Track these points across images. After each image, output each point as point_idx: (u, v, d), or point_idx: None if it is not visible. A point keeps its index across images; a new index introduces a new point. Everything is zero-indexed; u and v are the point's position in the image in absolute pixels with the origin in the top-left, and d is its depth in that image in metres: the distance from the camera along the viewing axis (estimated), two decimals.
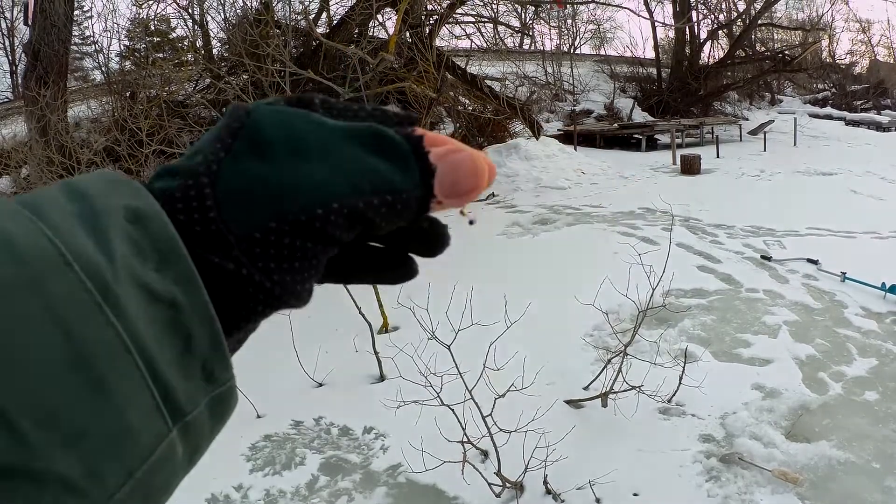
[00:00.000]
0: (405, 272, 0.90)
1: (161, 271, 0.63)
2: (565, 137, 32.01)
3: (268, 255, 0.70)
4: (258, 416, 8.49)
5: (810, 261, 13.47)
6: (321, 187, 0.71)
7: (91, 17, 36.58)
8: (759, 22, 44.70)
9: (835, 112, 46.18)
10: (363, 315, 9.47)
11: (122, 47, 33.77)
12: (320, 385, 9.20)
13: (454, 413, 6.85)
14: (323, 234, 0.71)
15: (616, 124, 37.92)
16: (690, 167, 25.34)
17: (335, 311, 10.34)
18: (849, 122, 42.69)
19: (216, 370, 0.67)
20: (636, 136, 34.66)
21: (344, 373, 9.38)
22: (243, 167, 0.71)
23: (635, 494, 6.90)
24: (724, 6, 46.93)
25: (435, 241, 0.89)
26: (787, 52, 45.80)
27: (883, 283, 11.58)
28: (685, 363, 8.43)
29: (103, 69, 30.29)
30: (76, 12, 26.73)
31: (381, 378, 9.19)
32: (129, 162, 15.52)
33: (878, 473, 7.10)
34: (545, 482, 6.81)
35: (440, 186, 0.76)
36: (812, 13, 53.59)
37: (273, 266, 0.70)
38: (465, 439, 6.85)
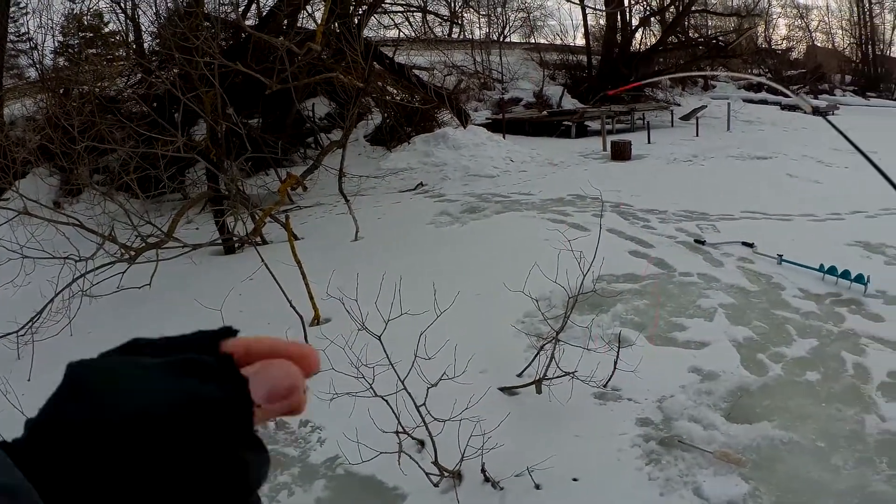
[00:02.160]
0: None
1: None
2: (494, 126, 32.06)
3: (64, 474, 0.71)
4: None
5: (745, 244, 13.49)
6: (121, 408, 0.72)
7: (27, 13, 36.21)
8: (693, 8, 44.93)
9: (770, 97, 46.53)
10: (294, 308, 9.43)
11: (56, 43, 33.61)
12: None
13: (388, 404, 6.80)
14: (129, 451, 0.71)
15: (545, 112, 38.09)
16: (621, 153, 25.41)
17: (267, 304, 10.28)
18: (784, 107, 42.96)
19: None
20: (566, 123, 34.67)
21: None
22: (57, 407, 0.78)
23: (575, 479, 6.87)
24: None
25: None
26: (721, 39, 46.13)
27: (821, 265, 11.61)
28: (619, 348, 8.41)
29: (38, 66, 30.12)
30: (12, 8, 26.53)
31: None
32: (63, 160, 15.40)
33: (823, 452, 7.12)
34: (483, 470, 6.77)
35: (256, 390, 0.80)
36: (748, 0, 54.00)
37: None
38: (399, 429, 6.81)
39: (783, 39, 60.95)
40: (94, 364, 0.79)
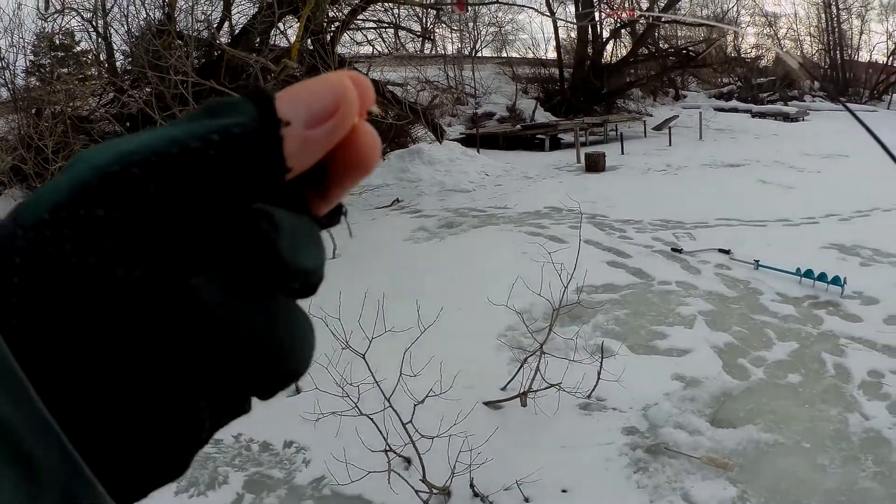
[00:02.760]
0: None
1: None
2: (468, 141, 32.13)
3: (61, 234, 0.52)
4: None
5: (722, 251, 13.62)
6: (121, 150, 0.55)
7: None
8: (663, 20, 45.09)
9: (740, 105, 46.83)
10: None
11: (28, 63, 33.48)
12: None
13: (374, 422, 6.78)
14: (129, 195, 0.53)
15: (519, 125, 38.11)
16: (595, 165, 25.53)
17: None
18: (755, 114, 43.22)
19: (81, 496, 0.51)
20: (539, 136, 34.85)
21: None
22: (53, 180, 0.56)
23: (564, 491, 6.85)
24: (626, 5, 47.39)
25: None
26: (691, 49, 46.33)
27: (798, 269, 11.74)
28: (602, 358, 8.45)
29: (9, 86, 30.00)
30: None
31: (297, 391, 9.03)
32: (36, 181, 15.31)
33: (808, 452, 7.19)
34: (472, 485, 6.75)
35: (287, 110, 0.57)
36: (716, 9, 54.22)
37: (69, 247, 0.52)
38: (387, 448, 6.78)
39: (752, 48, 61.22)
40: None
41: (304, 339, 0.64)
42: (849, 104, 48.72)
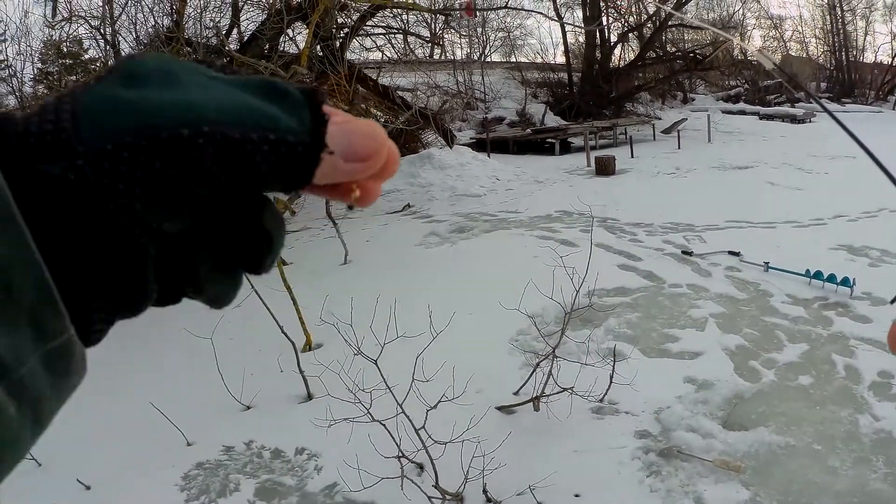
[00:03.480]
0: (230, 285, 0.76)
1: None
2: (478, 145, 32.19)
3: (117, 171, 0.60)
4: (188, 444, 8.31)
5: (732, 253, 13.60)
6: (192, 108, 0.62)
7: (4, 40, 36.06)
8: (670, 23, 45.06)
9: (748, 107, 46.80)
10: (285, 334, 9.34)
11: (36, 70, 33.44)
12: (248, 408, 9.03)
13: (386, 428, 6.76)
14: (187, 160, 0.61)
15: (529, 130, 38.13)
16: (605, 168, 25.50)
17: (257, 331, 10.23)
18: (763, 117, 43.22)
19: (46, 322, 0.59)
20: (549, 140, 34.91)
21: (271, 394, 9.23)
22: (110, 91, 0.63)
23: (577, 495, 6.84)
24: (634, 9, 47.40)
25: (266, 234, 0.73)
26: (698, 52, 46.30)
27: (807, 270, 11.74)
28: (615, 362, 8.42)
29: (17, 94, 29.97)
30: None
31: (309, 397, 9.05)
32: None
33: (820, 454, 7.17)
34: (485, 491, 6.72)
35: (335, 139, 0.67)
36: (722, 12, 54.18)
37: (121, 187, 0.60)
38: (400, 454, 6.76)
39: (758, 50, 61.12)
40: (164, 58, 0.69)
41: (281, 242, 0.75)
42: (855, 104, 48.80)
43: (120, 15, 24.84)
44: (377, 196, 0.75)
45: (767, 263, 12.58)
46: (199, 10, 21.85)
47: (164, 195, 0.62)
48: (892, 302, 10.88)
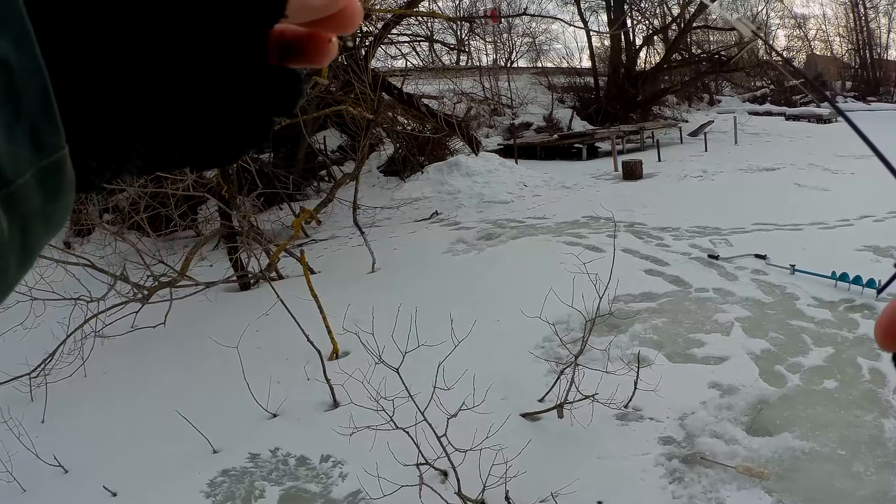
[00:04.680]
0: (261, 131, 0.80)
1: None
2: (505, 151, 32.10)
3: None
4: (214, 452, 8.36)
5: (758, 256, 13.54)
6: None
7: None
8: (694, 25, 44.96)
9: (774, 108, 46.69)
10: (312, 343, 9.37)
11: None
12: (274, 416, 9.05)
13: (409, 436, 6.77)
14: None
15: (556, 135, 38.03)
16: (632, 172, 25.40)
17: (283, 339, 10.26)
18: (789, 117, 43.10)
19: (44, 134, 0.60)
20: (577, 145, 34.75)
21: (297, 402, 9.26)
22: None
23: (599, 502, 6.83)
24: (658, 11, 47.31)
25: (287, 84, 0.80)
26: (723, 53, 46.17)
27: (833, 272, 11.68)
28: (639, 368, 8.41)
29: None
30: None
31: (335, 405, 9.07)
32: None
33: (844, 460, 7.13)
34: (507, 498, 6.70)
35: None
36: (746, 12, 53.96)
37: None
38: (420, 461, 6.77)
39: (783, 50, 60.98)
40: None
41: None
42: (880, 103, 48.56)
43: None
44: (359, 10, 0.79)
45: (794, 266, 12.53)
46: None
47: (160, 12, 0.67)
48: (878, 293, 10.87)
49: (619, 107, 43.58)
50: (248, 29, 0.72)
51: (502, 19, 38.19)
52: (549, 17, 37.60)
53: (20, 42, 0.57)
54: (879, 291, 10.85)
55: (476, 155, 25.91)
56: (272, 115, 0.79)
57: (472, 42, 40.19)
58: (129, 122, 0.70)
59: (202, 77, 0.72)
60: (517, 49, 56.22)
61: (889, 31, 58.61)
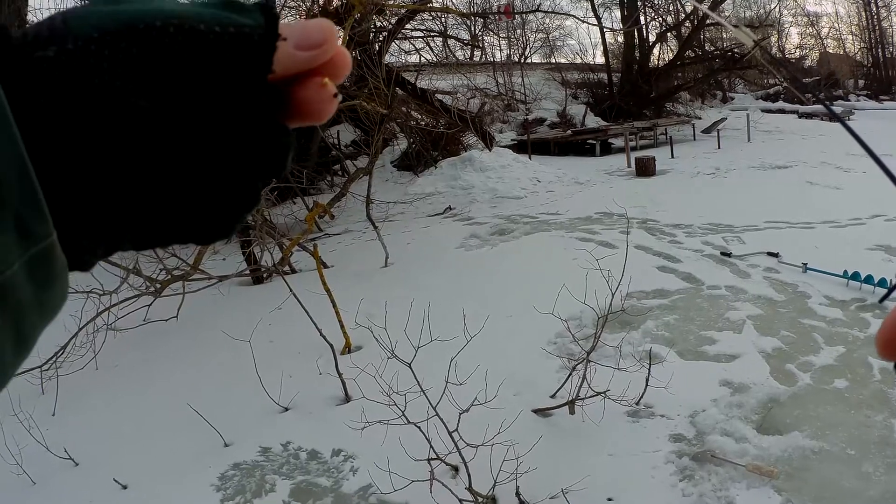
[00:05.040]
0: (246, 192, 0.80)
1: None
2: (519, 147, 32.16)
3: (102, 53, 0.67)
4: (225, 445, 8.38)
5: (771, 254, 13.56)
6: (163, 10, 0.71)
7: None
8: (707, 22, 44.88)
9: (787, 106, 46.59)
10: (324, 337, 9.39)
11: None
12: (286, 409, 9.07)
13: (420, 430, 6.79)
14: (161, 45, 0.70)
15: (569, 131, 38.01)
16: (645, 169, 25.38)
17: (296, 333, 10.27)
18: (802, 115, 42.98)
19: (30, 223, 0.62)
20: (590, 141, 34.79)
21: (309, 396, 9.28)
22: (93, 7, 0.71)
23: (609, 499, 6.84)
24: (671, 8, 47.26)
25: (276, 139, 0.79)
26: (736, 50, 46.11)
27: (845, 271, 11.67)
28: (650, 364, 8.40)
29: None
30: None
31: (347, 399, 9.09)
32: None
33: (853, 460, 7.11)
34: (517, 493, 6.74)
35: (287, 31, 0.76)
36: (759, 10, 53.91)
37: (105, 66, 0.67)
38: (431, 456, 6.80)
39: (796, 48, 60.92)
40: None
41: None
42: (893, 101, 48.47)
43: None
44: (333, 102, 0.81)
45: (806, 264, 12.53)
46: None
47: (141, 76, 0.68)
48: (880, 301, 10.87)
49: (632, 103, 43.57)
50: (237, 88, 0.74)
51: (516, 15, 38.12)
52: (563, 13, 37.60)
53: (2, 134, 0.59)
54: (882, 300, 10.84)
55: (489, 150, 25.90)
56: (265, 174, 0.80)
57: (485, 38, 40.20)
58: (117, 202, 0.72)
59: (193, 140, 0.73)
60: (531, 45, 56.18)
61: None
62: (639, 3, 45.53)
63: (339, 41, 0.80)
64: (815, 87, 51.55)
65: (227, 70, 0.72)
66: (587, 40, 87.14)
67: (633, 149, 30.86)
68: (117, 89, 0.67)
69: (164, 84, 0.70)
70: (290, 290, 9.69)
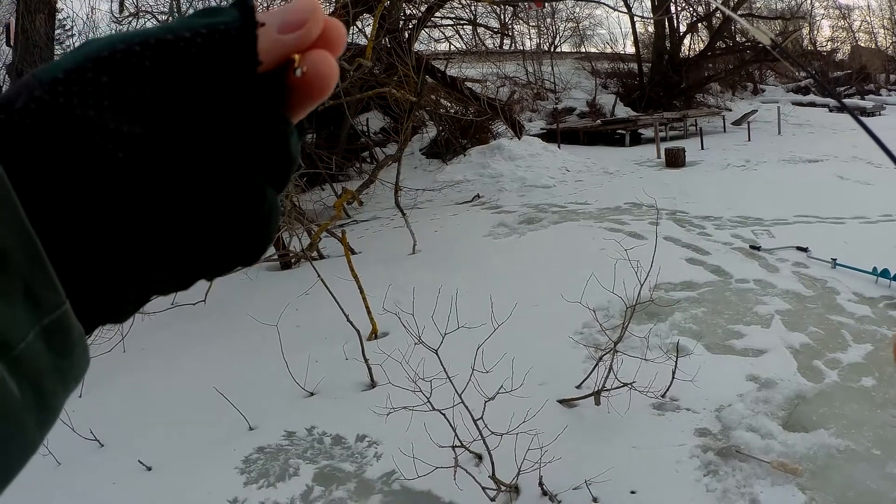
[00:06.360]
0: (254, 205, 0.74)
1: None
2: (548, 136, 32.15)
3: (70, 91, 0.65)
4: (250, 429, 8.42)
5: (800, 248, 13.46)
6: (128, 34, 0.68)
7: (73, 35, 36.30)
8: (738, 13, 44.68)
9: (818, 99, 46.27)
10: (351, 322, 9.42)
11: None
12: (311, 394, 9.11)
13: (445, 417, 6.79)
14: (129, 67, 0.67)
15: (599, 121, 37.98)
16: (675, 160, 25.29)
17: (323, 319, 10.30)
18: (833, 109, 42.73)
19: (40, 293, 0.60)
20: (620, 131, 34.72)
21: (334, 381, 9.31)
22: (65, 54, 0.69)
23: (633, 492, 6.81)
24: None
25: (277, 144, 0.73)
26: (761, 43, 45.86)
27: (874, 268, 11.57)
28: (677, 357, 8.36)
29: None
30: (57, 31, 26.62)
31: (372, 385, 9.11)
32: None
33: (878, 460, 7.03)
34: (541, 483, 6.73)
35: (268, 18, 0.73)
36: (792, 2, 53.65)
37: (76, 101, 0.65)
38: (456, 443, 6.79)
39: (828, 41, 60.59)
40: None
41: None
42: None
43: (187, 10, 24.99)
44: (331, 70, 0.75)
45: (835, 260, 12.45)
46: (265, 5, 21.96)
47: (117, 101, 0.66)
48: None
49: (662, 94, 43.45)
50: (228, 88, 0.70)
51: (546, 4, 38.05)
52: (594, 0, 37.33)
53: (3, 204, 0.58)
54: None
55: (519, 139, 25.93)
56: (276, 174, 0.74)
57: (515, 26, 40.01)
58: (131, 246, 0.69)
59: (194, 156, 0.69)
60: (561, 34, 56.18)
61: None
62: None
63: (324, 13, 0.75)
64: (843, 82, 51.35)
65: (210, 72, 0.69)
66: (617, 30, 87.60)
67: (663, 139, 30.83)
68: (97, 123, 0.65)
69: (149, 105, 0.67)
70: (318, 276, 9.71)
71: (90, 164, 0.64)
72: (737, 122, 36.10)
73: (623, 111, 41.89)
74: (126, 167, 0.65)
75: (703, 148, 29.32)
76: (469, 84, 25.99)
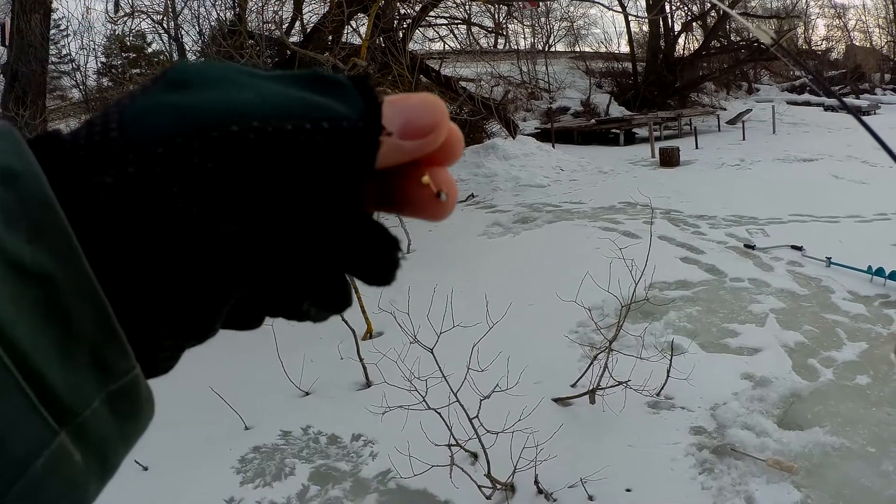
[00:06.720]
0: (340, 298, 0.72)
1: (34, 242, 0.52)
2: (543, 135, 32.20)
3: (170, 174, 0.57)
4: (246, 428, 8.46)
5: (794, 247, 13.48)
6: (239, 106, 0.60)
7: (68, 35, 36.28)
8: (734, 11, 44.70)
9: (813, 98, 46.25)
10: (346, 322, 9.41)
11: (100, 64, 33.63)
12: (307, 394, 9.14)
13: (441, 416, 6.80)
14: (240, 157, 0.59)
15: (593, 120, 38.08)
16: (669, 159, 25.36)
17: None
18: (827, 108, 42.70)
19: (109, 358, 0.56)
20: (614, 130, 34.87)
21: (330, 380, 9.35)
22: (156, 97, 0.61)
23: (628, 490, 6.83)
24: None
25: (381, 253, 0.71)
26: (761, 41, 45.89)
27: (869, 267, 11.59)
28: (672, 356, 8.37)
29: (81, 87, 30.11)
30: (52, 31, 26.59)
31: (367, 384, 9.14)
32: None
33: (873, 458, 7.06)
34: (536, 482, 6.76)
35: (390, 118, 0.64)
36: (787, 1, 53.70)
37: (176, 190, 0.57)
38: (451, 442, 6.82)
39: (822, 40, 60.64)
40: (207, 63, 0.67)
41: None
42: None
43: (182, 9, 25.02)
44: (456, 197, 0.71)
45: (830, 259, 12.48)
46: (261, 3, 21.96)
47: (221, 196, 0.59)
48: None
49: (657, 93, 43.52)
50: (332, 195, 0.63)
51: (540, 3, 38.06)
52: (588, 0, 37.35)
53: (62, 255, 0.53)
54: None
55: (513, 138, 25.97)
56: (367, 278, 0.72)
57: (509, 25, 40.12)
58: (202, 319, 0.68)
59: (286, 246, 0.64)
60: (555, 33, 56.19)
61: None
62: None
63: (453, 136, 0.68)
64: (837, 80, 51.36)
65: (321, 175, 0.62)
66: (612, 29, 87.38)
67: (657, 139, 30.90)
68: (193, 215, 0.58)
69: (249, 202, 0.60)
70: None
71: (176, 253, 0.59)
72: (731, 122, 36.11)
73: (617, 110, 41.91)
74: (210, 262, 0.61)
75: (697, 147, 29.34)
76: (463, 83, 26.00)
